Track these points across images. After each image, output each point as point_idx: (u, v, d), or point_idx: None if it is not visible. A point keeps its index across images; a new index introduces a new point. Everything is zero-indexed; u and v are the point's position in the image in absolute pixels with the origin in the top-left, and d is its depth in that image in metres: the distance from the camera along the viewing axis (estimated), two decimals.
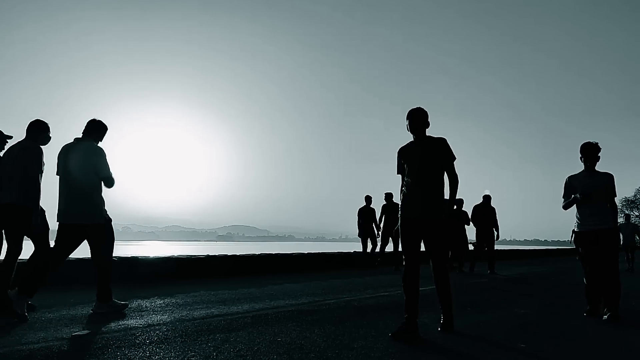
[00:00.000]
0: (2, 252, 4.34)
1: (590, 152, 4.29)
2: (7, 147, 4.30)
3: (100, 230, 4.05)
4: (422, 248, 3.43)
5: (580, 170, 4.44)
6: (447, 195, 3.49)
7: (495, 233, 10.14)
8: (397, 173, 3.65)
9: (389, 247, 10.84)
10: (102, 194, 4.14)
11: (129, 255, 7.06)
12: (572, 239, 13.15)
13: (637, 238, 13.14)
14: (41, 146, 4.23)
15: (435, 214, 3.33)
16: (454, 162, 3.47)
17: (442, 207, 3.37)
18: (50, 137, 4.41)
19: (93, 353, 2.64)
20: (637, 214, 53.12)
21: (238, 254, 8.69)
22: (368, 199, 10.69)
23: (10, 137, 4.39)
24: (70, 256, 5.26)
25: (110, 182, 4.11)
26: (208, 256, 7.93)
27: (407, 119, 3.44)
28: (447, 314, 3.44)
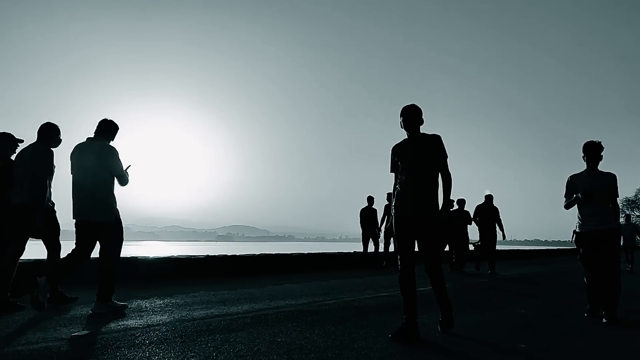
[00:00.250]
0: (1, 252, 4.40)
1: (593, 151, 4.21)
2: (18, 150, 4.44)
3: (110, 229, 4.09)
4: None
5: (582, 170, 4.36)
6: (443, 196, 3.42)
7: (501, 233, 10.15)
8: (391, 171, 3.56)
9: (392, 247, 10.87)
10: (115, 193, 4.19)
11: (129, 256, 7.06)
12: (573, 239, 13.12)
13: (638, 238, 13.13)
14: (52, 148, 4.34)
15: (429, 212, 3.26)
16: (447, 161, 3.37)
17: (435, 206, 3.29)
18: (61, 140, 4.51)
19: (92, 353, 2.64)
20: (637, 214, 53.10)
21: (238, 254, 8.68)
22: (370, 200, 10.69)
23: (22, 141, 4.56)
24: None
25: (124, 180, 4.20)
26: (208, 256, 7.93)
27: (400, 116, 3.38)
28: (446, 312, 3.39)
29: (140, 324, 3.48)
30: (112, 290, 4.01)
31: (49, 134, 4.36)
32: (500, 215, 10.19)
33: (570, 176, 4.42)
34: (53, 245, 4.43)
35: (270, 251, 12.07)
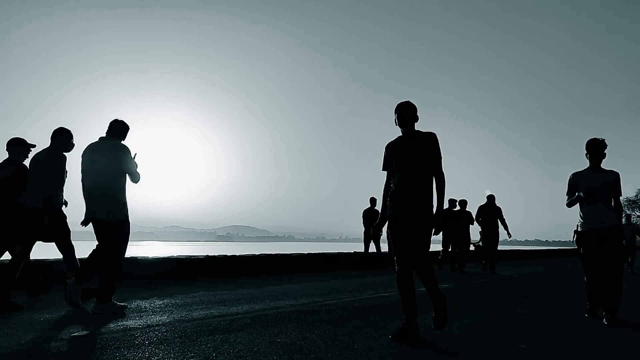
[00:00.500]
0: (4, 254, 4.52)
1: (596, 148, 4.12)
2: (31, 154, 4.61)
3: (117, 227, 4.11)
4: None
5: (584, 168, 4.29)
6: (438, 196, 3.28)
7: (506, 232, 10.21)
8: (383, 169, 3.47)
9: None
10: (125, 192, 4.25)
11: (128, 256, 7.05)
12: (574, 239, 13.07)
13: (638, 238, 13.12)
14: (65, 153, 4.49)
15: (424, 209, 3.16)
16: (441, 161, 3.27)
17: (430, 203, 3.20)
18: (74, 145, 4.64)
19: (92, 354, 2.63)
20: (638, 214, 53.07)
21: (237, 254, 8.67)
22: (373, 201, 10.72)
23: (34, 146, 4.76)
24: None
25: (136, 177, 4.27)
26: (207, 256, 7.92)
27: (395, 113, 3.31)
28: (439, 308, 3.24)
29: (140, 325, 3.48)
30: (112, 290, 4.01)
31: (62, 138, 4.52)
32: (503, 214, 10.24)
33: (573, 174, 4.34)
34: (66, 248, 4.55)
35: (270, 251, 12.07)
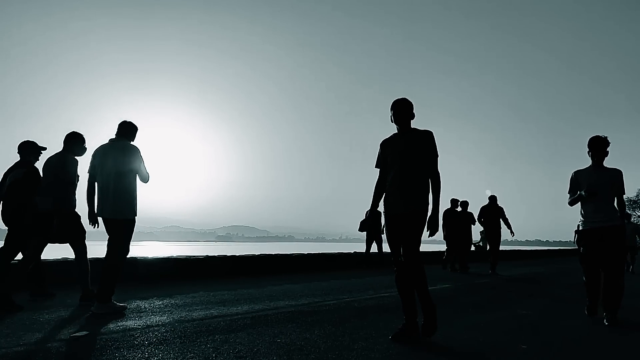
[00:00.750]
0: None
1: (598, 146, 4.07)
2: (41, 157, 4.75)
3: (120, 227, 4.15)
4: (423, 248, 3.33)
5: (587, 166, 4.23)
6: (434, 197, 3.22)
7: (510, 231, 10.27)
8: (376, 167, 3.41)
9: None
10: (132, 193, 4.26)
11: (128, 256, 7.05)
12: (575, 240, 13.05)
13: (638, 239, 13.11)
14: (77, 157, 4.63)
15: (418, 206, 3.10)
16: (437, 160, 3.21)
17: (426, 200, 3.14)
18: (86, 149, 4.73)
19: (91, 354, 2.62)
20: (638, 214, 53.05)
21: (237, 254, 8.67)
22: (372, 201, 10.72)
23: (45, 148, 4.86)
24: (67, 257, 5.43)
25: (146, 178, 4.34)
26: (207, 257, 7.91)
27: (391, 110, 3.25)
28: (428, 315, 3.12)
29: (140, 325, 3.47)
30: (112, 290, 4.01)
31: (75, 142, 4.63)
32: (505, 214, 10.28)
33: (575, 172, 4.28)
34: (78, 247, 4.58)
35: (270, 251, 12.06)
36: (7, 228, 4.59)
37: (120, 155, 4.16)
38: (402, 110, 3.21)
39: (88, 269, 4.59)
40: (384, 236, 3.62)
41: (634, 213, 52.11)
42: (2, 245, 4.49)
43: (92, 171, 4.24)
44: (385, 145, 3.35)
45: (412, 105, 3.25)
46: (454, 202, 10.75)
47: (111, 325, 3.43)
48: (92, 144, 4.44)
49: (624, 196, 4.20)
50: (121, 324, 3.51)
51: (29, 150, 4.74)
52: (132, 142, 4.39)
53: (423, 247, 3.30)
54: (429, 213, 3.13)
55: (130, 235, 4.22)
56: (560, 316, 4.32)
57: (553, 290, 6.86)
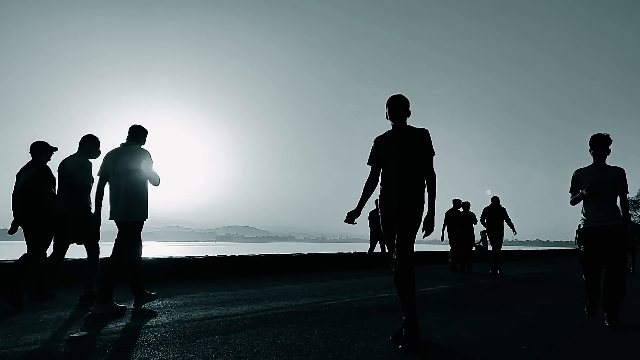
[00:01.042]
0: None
1: (600, 144, 4.00)
2: (53, 157, 4.79)
3: (125, 229, 4.20)
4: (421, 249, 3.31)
5: (589, 164, 4.17)
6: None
7: (512, 230, 10.36)
8: (368, 163, 3.33)
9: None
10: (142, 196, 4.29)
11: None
12: (577, 239, 13.06)
13: (638, 239, 13.10)
14: (91, 160, 4.66)
15: (413, 203, 3.06)
16: (433, 159, 3.14)
17: (421, 197, 3.10)
18: (101, 152, 4.77)
19: (91, 355, 2.61)
20: (639, 214, 53.02)
21: (237, 254, 8.66)
22: (377, 202, 10.73)
23: (56, 149, 4.87)
24: (67, 257, 5.44)
25: (156, 181, 4.37)
26: (207, 257, 7.90)
27: (386, 106, 3.18)
28: (410, 325, 2.92)
29: (139, 325, 3.46)
30: (111, 291, 4.00)
31: (90, 145, 4.69)
32: (508, 214, 10.32)
33: (576, 170, 4.22)
34: (91, 248, 4.60)
35: (269, 252, 12.05)
36: (21, 229, 4.58)
37: (131, 159, 4.22)
38: (398, 106, 3.15)
39: (97, 271, 4.60)
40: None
41: (635, 213, 52.07)
42: (26, 250, 4.44)
43: (102, 174, 4.29)
44: (380, 141, 3.28)
45: (408, 101, 3.20)
46: (456, 202, 10.76)
47: (110, 326, 3.42)
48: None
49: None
50: (120, 324, 3.50)
51: (41, 150, 4.75)
52: (142, 146, 4.45)
53: (425, 248, 3.28)
54: (425, 212, 3.09)
55: (131, 238, 4.26)
56: (560, 316, 4.31)
57: (553, 290, 6.85)
